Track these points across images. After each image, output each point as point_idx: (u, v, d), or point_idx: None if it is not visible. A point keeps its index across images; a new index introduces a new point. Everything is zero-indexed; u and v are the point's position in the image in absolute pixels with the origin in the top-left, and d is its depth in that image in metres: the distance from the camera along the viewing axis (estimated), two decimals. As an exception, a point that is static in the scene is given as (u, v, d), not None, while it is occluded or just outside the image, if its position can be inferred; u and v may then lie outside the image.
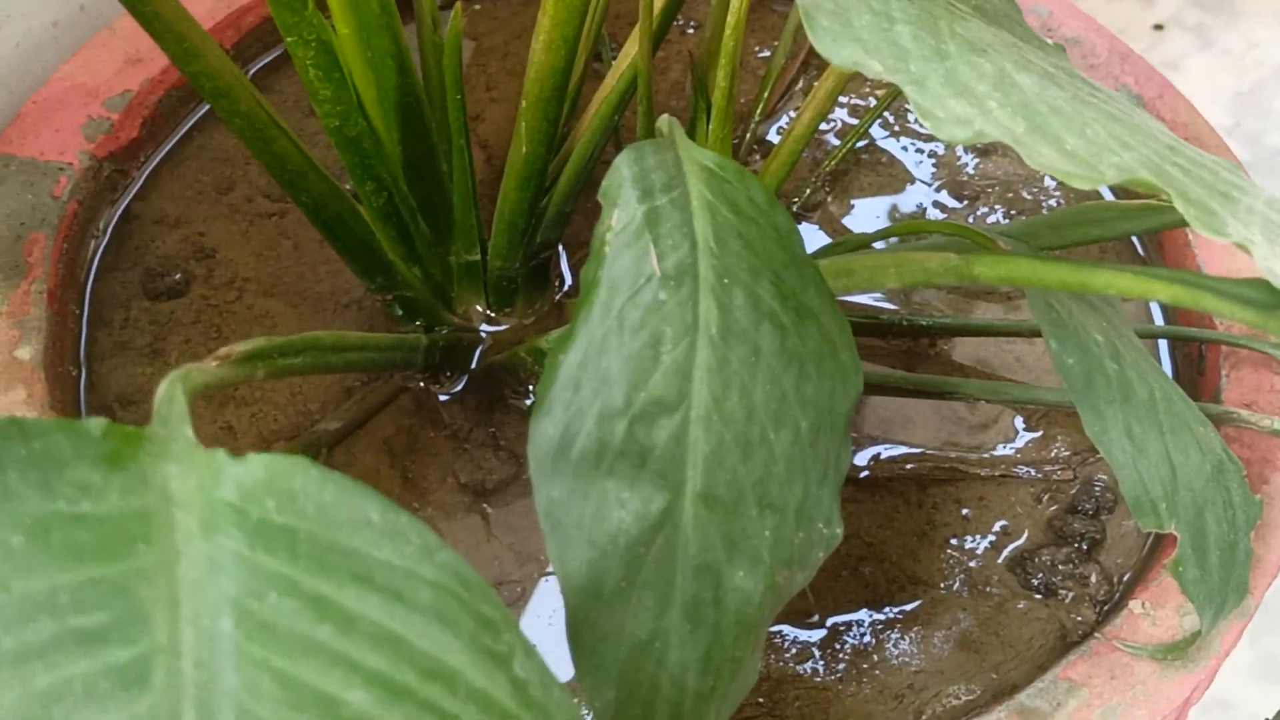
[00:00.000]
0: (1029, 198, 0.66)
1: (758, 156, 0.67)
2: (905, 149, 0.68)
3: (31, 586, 0.25)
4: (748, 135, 0.67)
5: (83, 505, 0.27)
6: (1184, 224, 0.38)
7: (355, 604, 0.27)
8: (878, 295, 0.62)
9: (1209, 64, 0.98)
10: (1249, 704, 0.70)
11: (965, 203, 0.66)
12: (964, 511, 0.55)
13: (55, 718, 0.24)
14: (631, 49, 0.53)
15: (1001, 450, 0.57)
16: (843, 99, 0.70)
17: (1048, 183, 0.67)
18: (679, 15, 0.68)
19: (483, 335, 0.58)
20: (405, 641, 0.27)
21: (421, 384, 0.58)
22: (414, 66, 0.49)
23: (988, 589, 0.53)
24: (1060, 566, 0.53)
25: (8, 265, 0.56)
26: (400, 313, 0.57)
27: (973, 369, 0.60)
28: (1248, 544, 0.46)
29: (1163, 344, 0.61)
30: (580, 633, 0.35)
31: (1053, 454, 0.57)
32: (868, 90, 0.70)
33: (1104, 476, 0.56)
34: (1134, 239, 0.65)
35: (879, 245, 0.58)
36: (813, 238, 0.64)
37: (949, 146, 0.68)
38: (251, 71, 0.69)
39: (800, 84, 0.70)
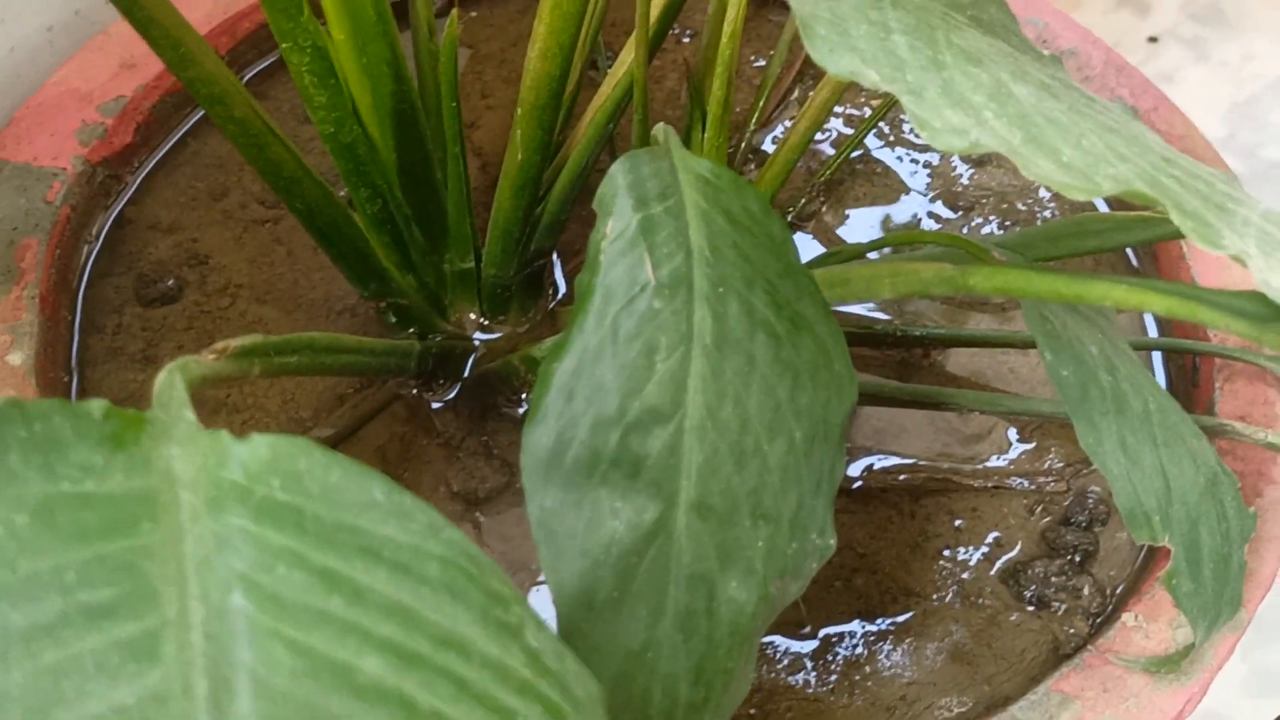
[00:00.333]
0: (1023, 209, 0.66)
1: (753, 165, 0.67)
2: (900, 159, 0.68)
3: (38, 565, 0.25)
4: (743, 144, 0.67)
5: (86, 485, 0.27)
6: (1179, 236, 0.38)
7: (364, 577, 0.27)
8: (872, 305, 0.62)
9: (1204, 76, 0.98)
10: (1242, 717, 0.70)
11: (960, 213, 0.66)
12: (957, 523, 0.55)
13: (66, 691, 0.24)
14: (627, 57, 0.53)
15: (995, 461, 0.57)
16: (838, 109, 0.70)
17: (1042, 194, 0.67)
18: (675, 24, 0.68)
19: (476, 343, 0.58)
20: (416, 612, 0.27)
21: (414, 391, 0.57)
22: (409, 73, 0.49)
23: (980, 600, 0.53)
24: (1053, 578, 0.53)
25: (0, 270, 0.56)
26: (394, 320, 0.57)
27: (966, 380, 0.60)
28: (1241, 557, 0.46)
29: (1157, 356, 0.61)
30: (572, 642, 0.35)
31: (1046, 465, 0.57)
32: (863, 100, 0.70)
33: (1097, 488, 0.56)
34: (1128, 251, 0.65)
35: (874, 255, 0.58)
36: (808, 247, 0.64)
37: (944, 157, 0.68)
38: (247, 77, 0.69)
39: (796, 93, 0.70)
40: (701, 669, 0.35)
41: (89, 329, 0.59)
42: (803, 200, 0.66)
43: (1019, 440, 0.58)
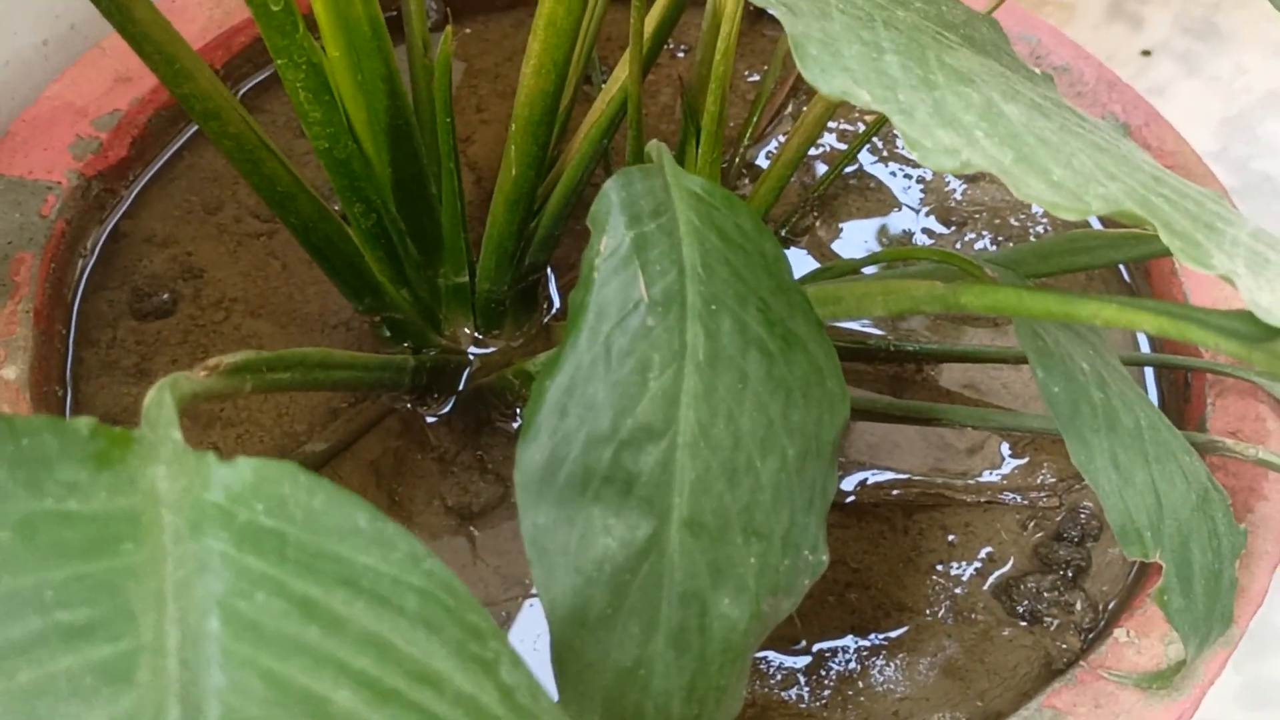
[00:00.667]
0: (1016, 224, 0.66)
1: (746, 180, 0.67)
2: (894, 174, 0.68)
3: (17, 583, 0.25)
4: (737, 159, 0.68)
5: (70, 503, 0.27)
6: (1170, 253, 0.38)
7: (343, 607, 0.27)
8: (865, 320, 0.62)
9: (1197, 90, 0.99)
10: (1234, 731, 0.70)
11: (953, 229, 0.66)
12: (950, 538, 0.55)
13: (39, 712, 0.24)
14: (622, 73, 0.54)
15: (988, 476, 0.57)
16: (831, 124, 0.70)
17: (1035, 209, 0.67)
18: (670, 39, 0.68)
19: (470, 357, 0.58)
20: (392, 645, 0.27)
21: (408, 406, 0.57)
22: (404, 89, 0.49)
23: (973, 616, 0.53)
24: (1045, 594, 0.53)
25: (-6, 284, 0.56)
26: (388, 334, 0.57)
27: (959, 395, 0.60)
28: (1232, 573, 0.46)
29: (1149, 372, 0.62)
30: (565, 659, 0.35)
31: (1039, 481, 0.57)
32: (856, 116, 0.71)
33: (1090, 504, 0.56)
34: (1121, 267, 0.66)
35: (867, 270, 0.58)
36: (801, 262, 0.64)
37: (937, 173, 0.68)
38: (242, 91, 0.69)
39: (789, 108, 0.71)
40: (694, 686, 0.35)
41: (83, 343, 0.59)
42: (796, 215, 0.66)
43: (1011, 455, 0.58)
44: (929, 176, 0.68)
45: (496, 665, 0.28)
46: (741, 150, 0.68)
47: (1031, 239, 0.66)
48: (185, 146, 0.66)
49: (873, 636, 0.53)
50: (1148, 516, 0.42)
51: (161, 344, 0.59)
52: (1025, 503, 0.56)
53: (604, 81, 0.68)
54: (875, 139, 0.70)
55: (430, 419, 0.57)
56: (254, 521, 0.28)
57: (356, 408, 0.57)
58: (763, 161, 0.68)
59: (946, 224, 0.66)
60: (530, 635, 0.52)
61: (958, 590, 0.54)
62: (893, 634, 0.53)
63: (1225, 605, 0.46)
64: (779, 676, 0.51)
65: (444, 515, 0.55)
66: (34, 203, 0.59)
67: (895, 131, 0.70)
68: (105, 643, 0.25)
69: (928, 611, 0.53)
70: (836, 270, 0.57)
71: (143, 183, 0.65)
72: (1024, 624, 0.53)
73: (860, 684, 0.51)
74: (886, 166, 0.69)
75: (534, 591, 0.53)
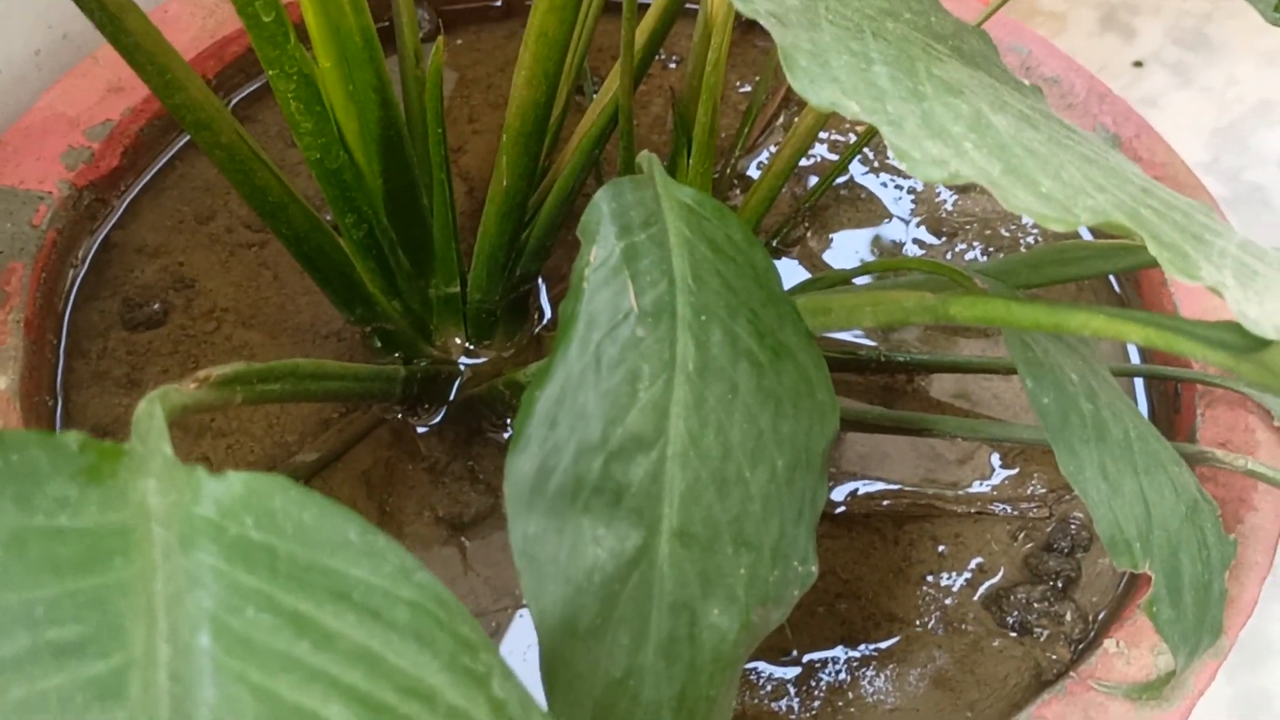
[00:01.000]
0: (1007, 234, 0.66)
1: (738, 190, 0.67)
2: (884, 185, 0.68)
3: (7, 599, 0.25)
4: (728, 169, 0.68)
5: (60, 519, 0.27)
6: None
7: (334, 621, 0.27)
8: (857, 330, 0.62)
9: (1189, 100, 0.99)
10: (1225, 741, 0.70)
11: (944, 239, 0.66)
12: (940, 548, 0.55)
13: None
14: (613, 84, 0.54)
15: (978, 487, 0.57)
16: (823, 134, 0.70)
17: (1025, 220, 0.67)
18: (660, 50, 0.68)
19: (461, 367, 0.58)
20: (383, 659, 0.27)
21: (400, 416, 0.57)
22: (396, 100, 0.50)
23: (963, 627, 0.53)
24: (1035, 604, 0.53)
25: (-15, 293, 0.56)
26: (379, 344, 0.57)
27: (950, 405, 0.60)
28: (1222, 584, 0.46)
29: (1139, 382, 0.62)
30: (555, 669, 0.35)
31: (1029, 491, 0.57)
32: (848, 126, 0.71)
33: (1080, 514, 0.56)
34: (1111, 277, 0.66)
35: (858, 281, 0.58)
36: (792, 272, 0.64)
37: (927, 184, 0.68)
38: (234, 101, 0.69)
39: (781, 119, 0.71)
40: (684, 696, 0.35)
41: (74, 353, 0.59)
42: (788, 225, 0.66)
43: (1002, 465, 0.58)
44: (920, 187, 0.68)
45: (488, 679, 0.28)
46: (733, 160, 0.68)
47: (1022, 249, 0.66)
48: (177, 156, 0.66)
49: (863, 647, 0.53)
50: (1137, 527, 0.42)
51: (152, 354, 0.59)
52: (1015, 513, 0.56)
53: (595, 92, 0.68)
54: (866, 150, 0.70)
55: (421, 429, 0.57)
56: (244, 535, 0.28)
57: (347, 418, 0.57)
58: (754, 172, 0.69)
59: (937, 234, 0.66)
60: (521, 645, 0.52)
61: (948, 601, 0.54)
62: (883, 645, 0.53)
63: (1215, 616, 0.46)
64: (769, 687, 0.51)
65: (435, 526, 0.55)
66: (25, 212, 0.59)
67: (886, 142, 0.70)
68: (96, 659, 0.25)
69: (918, 622, 0.53)
70: (827, 281, 0.57)
71: (134, 192, 0.65)
72: (1014, 635, 0.53)
73: (850, 695, 0.51)
74: (877, 177, 0.69)
75: (525, 602, 0.53)
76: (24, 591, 0.25)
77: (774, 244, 0.65)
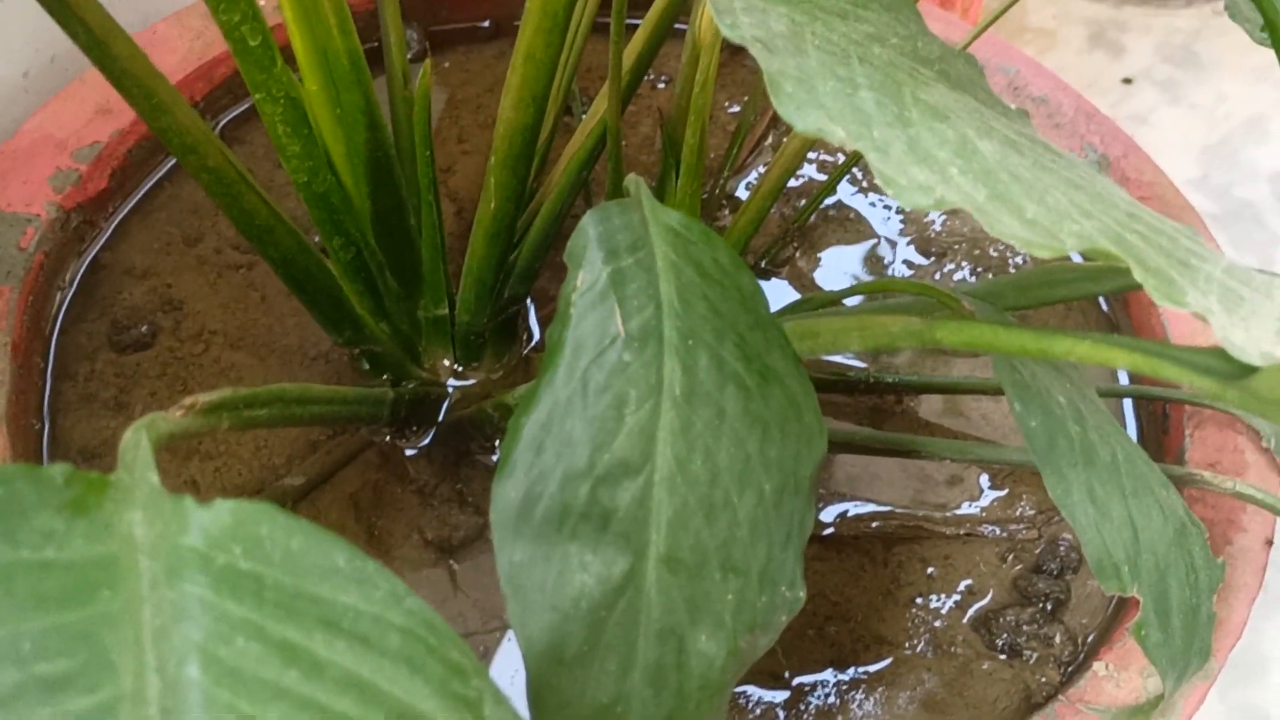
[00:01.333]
0: (995, 255, 0.66)
1: (727, 211, 0.67)
2: (873, 205, 0.69)
3: None
4: (717, 190, 0.68)
5: (46, 552, 0.27)
6: (1146, 288, 0.39)
7: (323, 649, 0.27)
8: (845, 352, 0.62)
9: (1178, 117, 0.99)
10: (1216, 761, 0.70)
11: (932, 259, 0.66)
12: (929, 570, 0.55)
13: None
14: (602, 105, 0.54)
15: (967, 509, 0.57)
16: (811, 155, 0.70)
17: (1014, 240, 0.67)
18: (650, 70, 0.69)
19: (450, 389, 0.58)
20: (374, 687, 0.27)
21: (388, 438, 0.57)
22: (384, 122, 0.49)
23: (952, 649, 0.53)
24: (1025, 627, 0.53)
25: (-28, 316, 0.56)
26: (367, 366, 0.57)
27: (939, 426, 0.60)
28: (1210, 607, 0.46)
29: (1127, 403, 0.62)
30: (542, 696, 0.34)
31: (1018, 513, 0.57)
32: (836, 147, 0.71)
33: (1068, 536, 0.56)
34: (1100, 298, 0.66)
35: (848, 302, 0.58)
36: (781, 293, 0.64)
37: (917, 204, 0.68)
38: (223, 122, 0.69)
39: (770, 139, 0.71)
40: (671, 723, 0.35)
41: (61, 375, 0.59)
42: (777, 246, 0.66)
43: (991, 487, 0.58)
44: (908, 208, 0.68)
45: (479, 704, 0.28)
46: (721, 181, 0.68)
47: (1010, 270, 0.66)
48: (165, 178, 0.66)
49: (852, 670, 0.52)
50: (1125, 551, 0.42)
51: (140, 376, 0.59)
52: (1004, 535, 0.56)
53: (584, 113, 0.68)
54: (855, 170, 0.70)
55: (409, 451, 0.57)
56: (232, 565, 0.28)
57: (335, 440, 0.57)
58: (743, 192, 0.69)
59: (926, 255, 0.66)
60: (509, 669, 0.52)
61: (937, 623, 0.54)
62: (872, 667, 0.53)
63: (1203, 639, 0.46)
64: (758, 711, 0.51)
65: (423, 548, 0.55)
66: (13, 235, 0.59)
67: (871, 168, 0.70)
68: (84, 694, 0.25)
69: (907, 645, 0.53)
70: (815, 302, 0.57)
71: (122, 214, 0.64)
72: (1003, 657, 0.53)
73: (840, 718, 0.51)
74: (866, 197, 0.69)
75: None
76: (11, 626, 0.25)
77: (763, 264, 0.65)
